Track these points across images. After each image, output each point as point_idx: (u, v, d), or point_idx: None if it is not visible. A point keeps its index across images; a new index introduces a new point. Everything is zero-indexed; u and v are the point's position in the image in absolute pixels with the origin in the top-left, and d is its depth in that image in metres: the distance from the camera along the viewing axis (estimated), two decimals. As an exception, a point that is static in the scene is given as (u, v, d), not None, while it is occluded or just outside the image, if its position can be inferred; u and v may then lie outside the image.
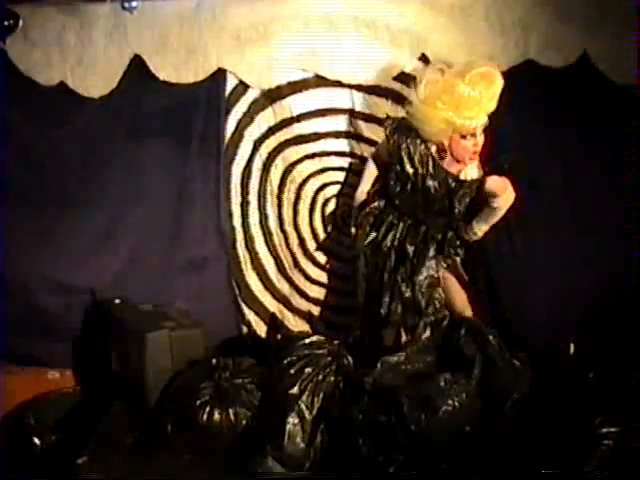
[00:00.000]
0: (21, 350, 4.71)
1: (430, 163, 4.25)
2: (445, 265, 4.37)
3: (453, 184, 4.25)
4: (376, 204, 4.46)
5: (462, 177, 4.25)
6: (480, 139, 4.18)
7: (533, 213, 4.46)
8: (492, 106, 4.13)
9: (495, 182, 4.20)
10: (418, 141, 4.24)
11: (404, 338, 4.36)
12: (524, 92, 4.50)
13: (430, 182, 4.26)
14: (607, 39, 4.44)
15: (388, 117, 4.42)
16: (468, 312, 4.33)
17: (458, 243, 4.38)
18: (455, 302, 4.37)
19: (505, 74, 4.45)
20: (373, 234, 4.43)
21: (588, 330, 4.38)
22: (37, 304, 4.71)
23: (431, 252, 4.35)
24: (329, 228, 4.91)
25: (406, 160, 4.26)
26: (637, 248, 4.30)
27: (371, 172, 4.54)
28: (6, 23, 4.59)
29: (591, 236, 4.50)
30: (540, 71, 4.51)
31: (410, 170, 4.27)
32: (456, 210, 4.29)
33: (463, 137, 4.16)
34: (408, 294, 4.34)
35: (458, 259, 4.39)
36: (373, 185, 4.54)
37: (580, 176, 4.54)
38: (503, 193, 4.21)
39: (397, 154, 4.28)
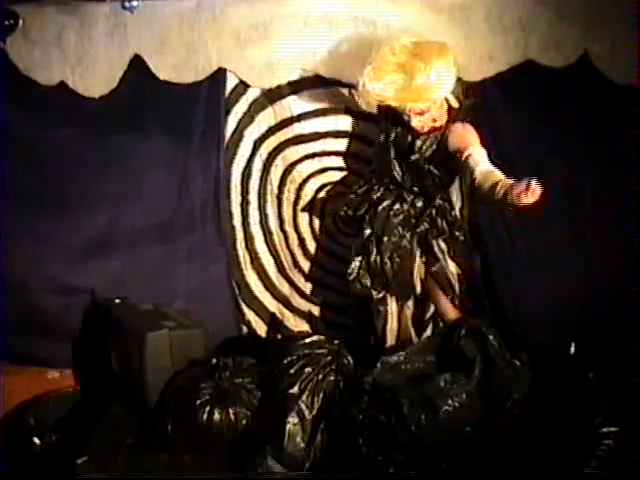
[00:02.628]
0: (21, 350, 4.71)
1: (402, 133, 4.27)
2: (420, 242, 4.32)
3: (414, 145, 4.24)
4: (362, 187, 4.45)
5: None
6: (416, 119, 4.13)
7: (533, 213, 4.44)
8: (427, 93, 4.02)
9: (455, 126, 4.15)
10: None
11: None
12: (524, 92, 4.50)
13: (400, 152, 4.28)
14: (608, 39, 4.44)
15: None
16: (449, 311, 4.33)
17: (442, 221, 4.32)
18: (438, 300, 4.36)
19: (505, 74, 4.47)
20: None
21: (588, 330, 4.38)
22: (37, 304, 4.71)
23: (400, 222, 4.31)
24: (329, 228, 4.92)
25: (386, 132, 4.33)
26: (637, 248, 4.30)
27: None
28: (6, 22, 4.59)
29: (591, 236, 4.51)
30: (540, 71, 4.50)
31: (389, 142, 4.31)
32: (424, 165, 4.23)
33: (402, 114, 4.16)
34: (374, 258, 4.33)
35: (441, 241, 4.32)
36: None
37: (580, 176, 4.54)
38: (462, 131, 4.12)
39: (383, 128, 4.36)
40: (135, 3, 4.55)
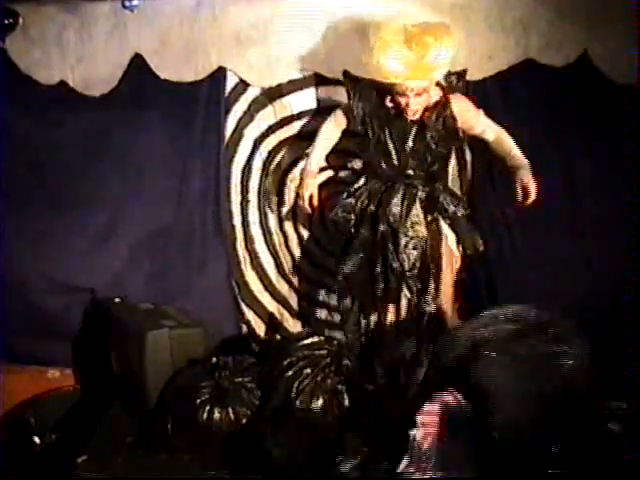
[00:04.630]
0: (21, 349, 4.73)
1: (390, 119, 4.15)
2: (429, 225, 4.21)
3: (414, 128, 4.13)
4: (358, 183, 4.34)
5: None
6: (415, 100, 4.03)
7: (533, 213, 4.45)
8: (430, 71, 3.97)
9: (455, 98, 4.15)
10: (378, 101, 4.16)
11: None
12: (524, 91, 4.50)
13: (394, 135, 4.16)
14: (608, 38, 4.42)
15: (346, 73, 4.36)
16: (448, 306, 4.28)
17: (448, 200, 4.24)
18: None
19: (505, 73, 4.47)
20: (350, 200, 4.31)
21: (588, 330, 4.37)
22: (37, 303, 4.73)
23: (414, 211, 4.20)
24: (329, 228, 4.92)
25: (368, 122, 4.19)
26: (637, 248, 4.29)
27: (332, 131, 4.40)
28: (6, 21, 4.60)
29: (591, 236, 4.50)
30: (540, 70, 4.49)
31: (376, 131, 4.18)
32: (433, 151, 4.15)
33: (400, 95, 4.04)
34: (392, 258, 4.20)
35: (445, 222, 4.24)
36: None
37: (580, 176, 4.54)
38: (463, 103, 4.15)
39: (361, 117, 4.21)
40: (135, 2, 4.57)
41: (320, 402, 3.85)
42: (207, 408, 3.91)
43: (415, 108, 4.08)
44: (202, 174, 4.80)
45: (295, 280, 4.96)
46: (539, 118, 4.50)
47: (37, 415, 4.37)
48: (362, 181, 4.35)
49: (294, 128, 4.80)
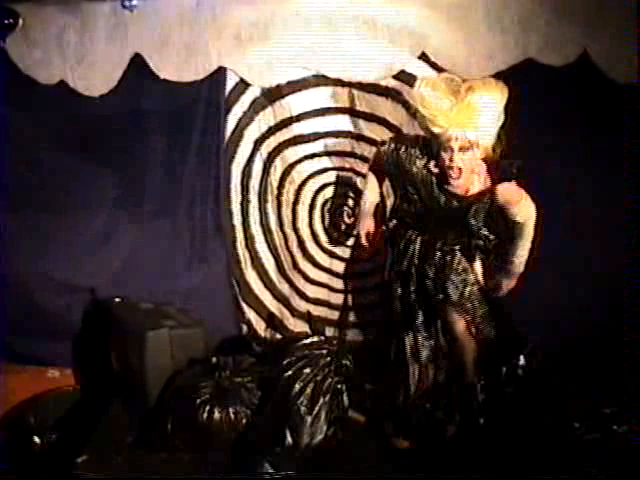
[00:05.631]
0: (21, 349, 4.73)
1: (430, 183, 3.92)
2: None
3: (456, 203, 3.90)
4: (389, 224, 4.14)
5: (466, 194, 3.89)
6: (459, 156, 3.76)
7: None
8: (475, 118, 3.73)
9: (505, 188, 3.83)
10: (418, 161, 3.92)
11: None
12: (524, 91, 4.49)
13: (435, 203, 3.93)
14: (607, 38, 4.43)
15: (383, 142, 4.12)
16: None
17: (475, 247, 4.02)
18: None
19: (505, 73, 4.46)
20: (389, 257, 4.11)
21: (588, 330, 4.38)
22: (37, 303, 4.73)
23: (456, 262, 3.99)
24: (328, 228, 4.92)
25: (408, 183, 3.96)
26: (637, 248, 4.30)
27: (373, 184, 4.19)
28: (6, 22, 4.60)
29: (591, 236, 4.50)
30: (540, 70, 4.49)
31: (413, 193, 3.95)
32: (474, 229, 3.92)
33: (444, 150, 3.80)
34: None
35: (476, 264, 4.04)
36: (380, 195, 4.27)
37: (580, 176, 4.54)
38: (517, 198, 3.84)
39: (397, 177, 4.01)
40: (135, 2, 4.56)
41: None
42: (207, 408, 3.91)
43: (458, 165, 3.78)
44: (202, 174, 4.80)
45: (295, 279, 4.97)
46: (539, 118, 4.49)
47: (37, 415, 4.37)
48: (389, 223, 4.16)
49: (294, 129, 4.81)
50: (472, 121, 3.75)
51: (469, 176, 3.86)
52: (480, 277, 4.05)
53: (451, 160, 3.79)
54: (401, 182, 4.01)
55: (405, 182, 3.98)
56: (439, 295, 3.99)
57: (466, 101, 3.74)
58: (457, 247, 4.00)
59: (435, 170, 3.91)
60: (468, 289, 3.99)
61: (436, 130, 3.79)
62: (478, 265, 4.06)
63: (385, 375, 4.17)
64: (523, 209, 3.88)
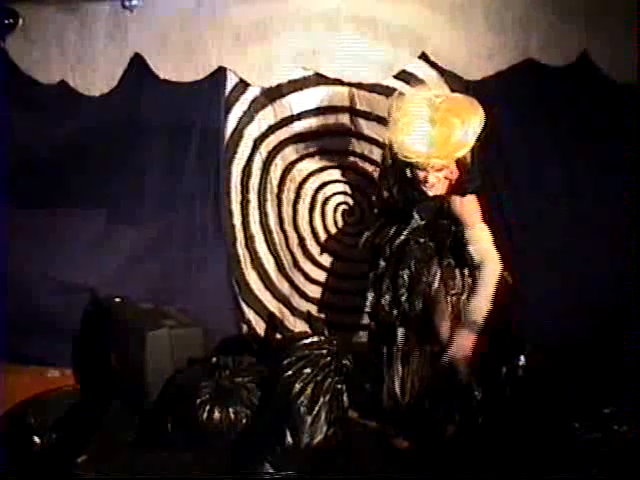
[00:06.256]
0: (21, 349, 4.73)
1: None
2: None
3: (416, 195, 3.93)
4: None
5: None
6: (434, 175, 3.81)
7: (533, 213, 4.45)
8: (452, 151, 3.74)
9: (457, 198, 3.83)
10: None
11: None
12: (524, 91, 4.50)
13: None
14: (607, 38, 4.42)
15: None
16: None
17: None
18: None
19: (505, 73, 4.47)
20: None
21: (588, 330, 4.38)
22: (37, 303, 4.74)
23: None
24: (329, 227, 4.92)
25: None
26: (637, 248, 4.29)
27: None
28: (6, 22, 4.61)
29: (591, 236, 4.50)
30: (540, 70, 4.49)
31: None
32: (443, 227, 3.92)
33: (420, 169, 3.83)
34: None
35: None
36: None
37: (580, 176, 4.54)
38: (470, 219, 3.80)
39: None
40: (135, 2, 4.58)
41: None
42: (207, 408, 3.90)
43: (433, 181, 3.85)
44: (202, 174, 4.80)
45: (296, 278, 4.96)
46: (539, 118, 4.50)
47: (37, 415, 4.35)
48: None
49: (294, 127, 4.81)
50: (451, 154, 3.76)
51: (442, 183, 3.88)
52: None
53: (426, 179, 3.84)
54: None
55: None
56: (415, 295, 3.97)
57: (448, 139, 3.71)
58: (431, 244, 3.97)
59: (409, 176, 3.93)
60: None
61: (414, 159, 3.79)
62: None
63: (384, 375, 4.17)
64: (478, 240, 3.80)
